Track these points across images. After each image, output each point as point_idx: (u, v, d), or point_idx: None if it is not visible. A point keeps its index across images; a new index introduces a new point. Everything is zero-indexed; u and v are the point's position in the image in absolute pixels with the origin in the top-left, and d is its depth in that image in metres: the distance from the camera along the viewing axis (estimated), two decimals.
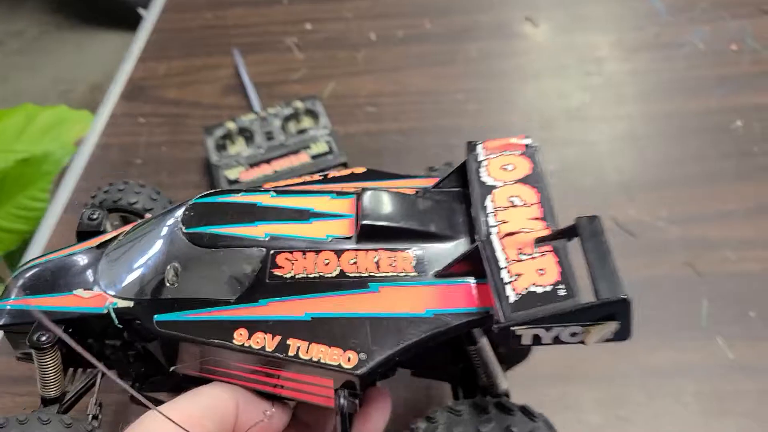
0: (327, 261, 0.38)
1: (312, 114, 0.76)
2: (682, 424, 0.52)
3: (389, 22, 0.93)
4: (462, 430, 0.35)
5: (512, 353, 0.43)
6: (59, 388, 0.42)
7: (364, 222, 0.38)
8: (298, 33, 0.94)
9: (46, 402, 0.42)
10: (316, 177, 0.45)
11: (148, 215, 0.49)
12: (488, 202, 0.38)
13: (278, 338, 0.36)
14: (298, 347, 0.36)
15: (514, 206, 0.38)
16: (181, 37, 0.98)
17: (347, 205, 0.40)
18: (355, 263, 0.38)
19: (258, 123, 0.76)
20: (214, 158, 0.73)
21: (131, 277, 0.40)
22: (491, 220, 0.37)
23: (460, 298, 0.37)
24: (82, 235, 0.47)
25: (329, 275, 0.38)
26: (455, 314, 0.36)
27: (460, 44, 0.89)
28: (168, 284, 0.39)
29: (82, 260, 0.43)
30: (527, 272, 0.34)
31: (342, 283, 0.38)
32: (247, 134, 0.75)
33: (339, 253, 0.38)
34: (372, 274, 0.38)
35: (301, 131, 0.75)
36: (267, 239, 0.38)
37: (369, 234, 0.38)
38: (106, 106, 0.88)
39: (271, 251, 0.38)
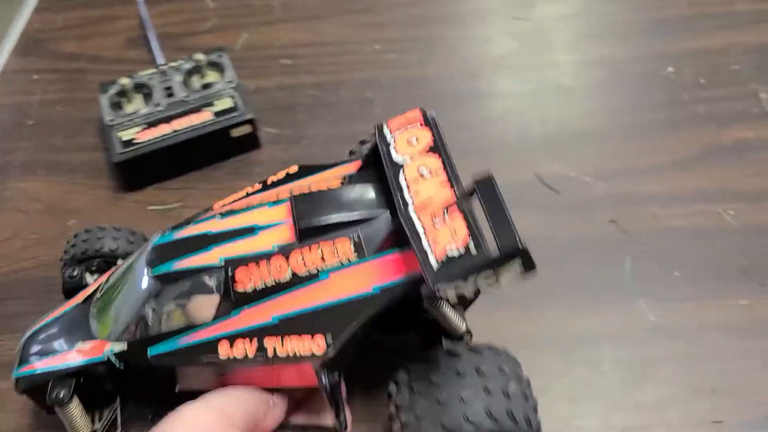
0: (279, 266, 0.42)
1: (217, 67, 0.70)
2: (599, 394, 0.48)
3: None
4: (439, 375, 0.40)
5: (467, 299, 0.46)
6: (89, 430, 0.46)
7: (301, 227, 0.42)
8: None
9: None
10: (257, 186, 0.49)
11: (120, 262, 0.52)
12: (401, 179, 0.41)
13: (255, 343, 0.41)
14: (274, 347, 0.41)
15: (423, 177, 0.41)
16: None
17: (284, 211, 0.44)
18: (302, 261, 0.42)
19: (157, 78, 0.69)
20: (108, 118, 0.66)
21: (119, 323, 0.44)
22: (406, 196, 0.40)
23: (398, 268, 0.40)
24: (68, 293, 0.51)
25: (284, 279, 0.42)
26: (399, 285, 0.40)
27: None
28: (150, 323, 0.43)
29: (74, 317, 0.47)
30: (442, 238, 0.37)
31: (296, 281, 0.42)
32: (145, 91, 0.69)
33: (287, 256, 0.42)
34: (319, 267, 0.42)
35: (206, 86, 0.69)
36: (222, 263, 0.42)
37: (307, 234, 0.42)
38: None
39: (229, 269, 0.42)
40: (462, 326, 0.45)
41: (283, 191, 0.46)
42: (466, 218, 0.38)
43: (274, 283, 0.42)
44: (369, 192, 0.44)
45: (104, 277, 0.49)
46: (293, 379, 0.43)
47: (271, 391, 0.44)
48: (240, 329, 0.42)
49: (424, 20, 0.78)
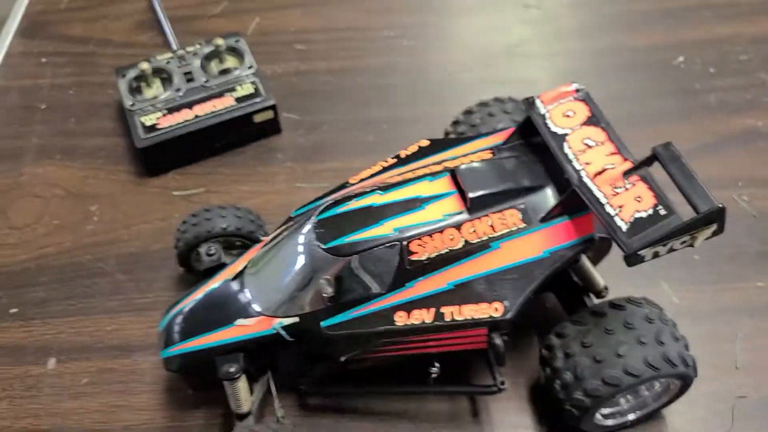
0: (452, 236, 0.44)
1: (235, 52, 0.70)
2: None
3: None
4: (591, 336, 0.43)
5: (599, 255, 0.50)
6: (250, 405, 0.47)
7: (472, 196, 0.44)
8: None
9: (241, 417, 0.47)
10: (391, 161, 0.50)
11: (264, 237, 0.52)
12: (566, 149, 0.44)
13: (432, 310, 0.43)
14: (452, 312, 0.43)
15: (590, 147, 0.44)
16: None
17: (446, 184, 0.46)
18: (474, 231, 0.44)
19: (175, 63, 0.69)
20: (128, 103, 0.66)
21: (288, 298, 0.45)
22: (576, 165, 0.43)
23: (565, 233, 0.44)
24: (207, 272, 0.51)
25: (457, 247, 0.44)
26: (567, 247, 0.44)
27: None
28: (325, 295, 0.44)
29: (226, 294, 0.48)
30: (627, 202, 0.41)
31: (469, 250, 0.44)
32: (163, 75, 0.68)
33: (458, 226, 0.44)
34: (490, 235, 0.44)
35: (224, 71, 0.69)
36: (396, 233, 0.43)
37: (477, 204, 0.44)
38: (1, 44, 0.79)
39: (404, 242, 0.43)
40: (601, 282, 0.49)
41: (429, 164, 0.48)
42: (648, 184, 0.41)
43: (447, 251, 0.44)
44: (531, 162, 0.46)
45: (251, 253, 0.49)
46: (461, 344, 0.45)
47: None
48: (416, 296, 0.44)
49: (435, 8, 0.79)
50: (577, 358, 0.43)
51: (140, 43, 0.78)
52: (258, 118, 0.66)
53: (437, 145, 0.51)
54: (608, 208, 0.41)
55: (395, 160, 0.51)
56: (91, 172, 0.67)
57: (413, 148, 0.51)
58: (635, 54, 0.72)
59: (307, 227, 0.45)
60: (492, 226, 0.44)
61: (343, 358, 0.46)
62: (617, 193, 0.41)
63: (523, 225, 0.45)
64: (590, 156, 0.43)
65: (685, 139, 0.64)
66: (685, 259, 0.56)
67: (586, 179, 0.42)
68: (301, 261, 0.45)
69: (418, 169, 0.48)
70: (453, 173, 0.46)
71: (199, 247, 0.52)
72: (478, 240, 0.44)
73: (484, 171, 0.45)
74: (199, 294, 0.48)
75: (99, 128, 0.71)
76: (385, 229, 0.44)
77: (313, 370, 0.49)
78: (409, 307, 0.44)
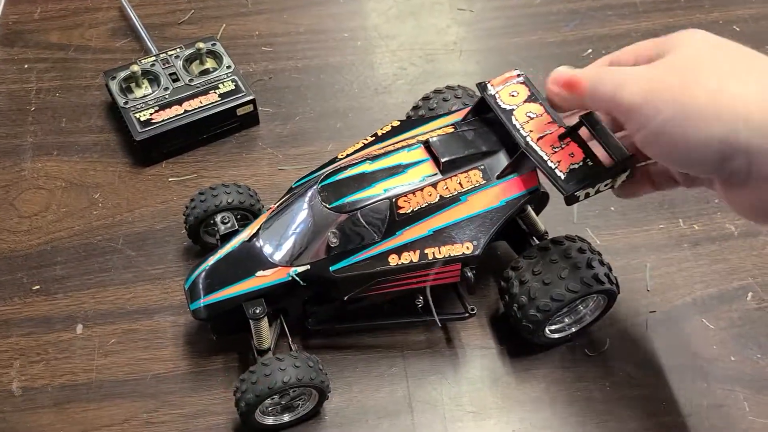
0: (429, 193, 0.56)
1: (213, 54, 0.79)
2: None
3: None
4: (540, 266, 0.56)
5: (539, 207, 0.64)
6: (270, 341, 0.57)
7: (443, 160, 0.56)
8: None
9: (261, 353, 0.57)
10: (370, 139, 0.62)
11: (273, 205, 0.60)
12: (514, 121, 0.56)
13: (418, 252, 0.55)
14: (433, 252, 0.55)
15: (532, 119, 0.56)
16: None
17: (421, 153, 0.57)
18: (446, 188, 0.56)
19: (160, 65, 0.77)
20: (122, 101, 0.74)
21: (300, 250, 0.56)
22: (522, 132, 0.55)
23: (516, 186, 0.57)
24: (224, 238, 0.60)
25: (434, 201, 0.56)
26: (518, 197, 0.56)
27: None
28: (332, 245, 0.54)
29: (245, 252, 0.57)
30: (563, 158, 0.53)
31: (443, 203, 0.56)
32: (150, 76, 0.77)
33: (434, 185, 0.56)
34: (459, 191, 0.56)
35: (204, 72, 0.78)
36: (386, 193, 0.55)
37: (448, 167, 0.56)
38: None
39: (393, 199, 0.54)
40: (542, 228, 0.62)
41: (408, 139, 0.60)
42: (577, 143, 0.53)
43: (426, 205, 0.55)
44: (486, 133, 0.58)
45: (261, 219, 0.59)
46: (440, 278, 0.57)
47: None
48: (404, 241, 0.55)
49: (380, 12, 0.91)
50: (530, 283, 0.56)
51: (118, 49, 0.86)
52: (240, 111, 0.76)
53: (407, 125, 0.63)
54: (550, 163, 0.53)
55: (373, 138, 0.62)
56: (89, 164, 0.75)
57: (387, 128, 0.63)
58: (553, 48, 0.86)
59: (311, 192, 0.56)
60: (460, 183, 0.56)
61: (346, 297, 0.57)
62: (555, 152, 0.53)
63: (483, 182, 0.57)
64: (533, 125, 0.55)
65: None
66: (604, 210, 0.70)
67: (531, 143, 0.54)
68: (309, 219, 0.55)
69: (396, 143, 0.60)
70: (426, 144, 0.58)
71: (215, 217, 0.61)
72: (450, 195, 0.56)
73: (450, 141, 0.57)
74: (219, 254, 0.58)
75: (90, 126, 0.78)
76: (377, 190, 0.55)
77: (319, 311, 0.60)
78: (399, 250, 0.55)
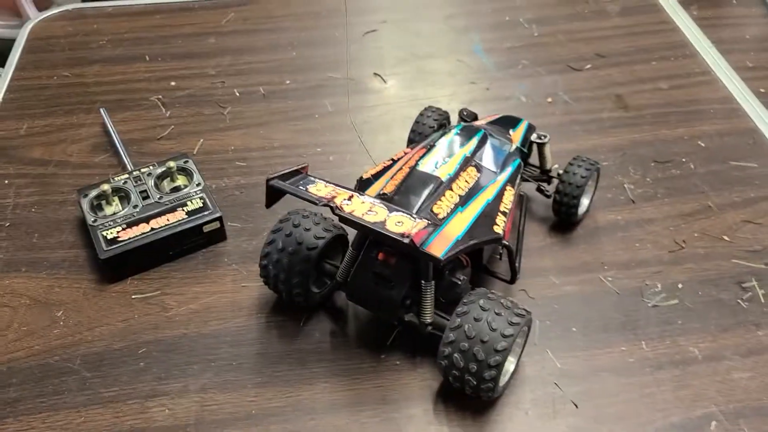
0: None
1: (185, 171, 0.81)
2: (524, 429, 0.62)
3: (251, 79, 1.00)
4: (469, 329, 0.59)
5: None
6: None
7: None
8: (163, 90, 0.98)
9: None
10: (388, 162, 0.73)
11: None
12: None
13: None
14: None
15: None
16: (40, 95, 0.99)
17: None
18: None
19: (131, 182, 0.79)
20: (90, 219, 0.76)
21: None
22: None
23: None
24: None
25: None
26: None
27: (316, 99, 0.97)
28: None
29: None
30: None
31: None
32: (121, 194, 0.79)
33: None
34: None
35: (175, 189, 0.80)
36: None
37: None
38: None
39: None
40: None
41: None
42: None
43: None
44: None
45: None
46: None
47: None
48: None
49: (357, 125, 0.93)
50: (471, 347, 0.58)
51: (97, 164, 0.88)
52: (207, 228, 0.77)
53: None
54: None
55: (391, 161, 0.73)
56: (56, 281, 0.76)
57: (400, 154, 0.74)
58: None
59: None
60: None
61: None
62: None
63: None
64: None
65: (561, 228, 0.79)
66: (565, 332, 0.69)
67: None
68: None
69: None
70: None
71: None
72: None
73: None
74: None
75: (61, 242, 0.80)
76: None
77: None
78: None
